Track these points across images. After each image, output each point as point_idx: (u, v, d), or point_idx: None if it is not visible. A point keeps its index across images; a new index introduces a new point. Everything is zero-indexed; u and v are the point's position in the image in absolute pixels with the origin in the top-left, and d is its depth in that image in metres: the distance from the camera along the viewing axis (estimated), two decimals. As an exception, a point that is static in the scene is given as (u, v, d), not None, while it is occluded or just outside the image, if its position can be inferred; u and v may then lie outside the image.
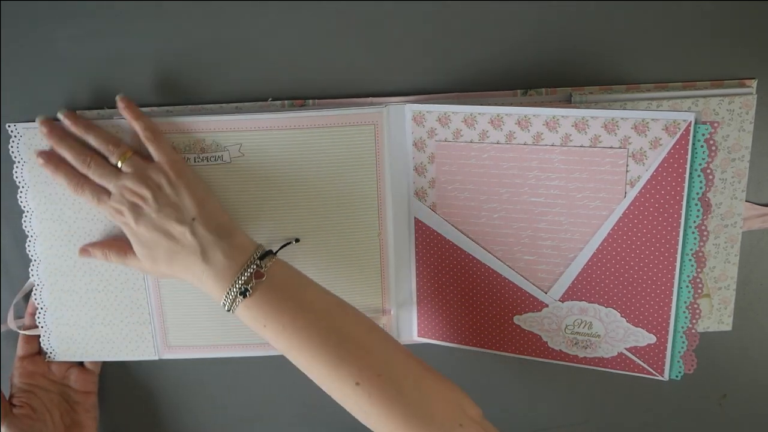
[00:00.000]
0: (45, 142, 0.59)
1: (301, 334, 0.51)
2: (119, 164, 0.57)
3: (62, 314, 0.63)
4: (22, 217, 0.62)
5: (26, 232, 0.62)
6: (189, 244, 0.54)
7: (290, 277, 0.55)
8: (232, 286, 0.52)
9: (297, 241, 0.60)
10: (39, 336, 0.64)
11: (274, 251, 0.56)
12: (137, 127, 0.58)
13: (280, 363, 0.68)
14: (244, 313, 0.53)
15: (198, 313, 0.64)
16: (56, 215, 0.62)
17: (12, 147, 0.61)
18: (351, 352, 0.51)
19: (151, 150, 0.58)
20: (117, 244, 0.60)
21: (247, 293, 0.52)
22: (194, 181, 0.57)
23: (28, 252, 0.63)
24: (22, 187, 0.61)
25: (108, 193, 0.57)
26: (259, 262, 0.54)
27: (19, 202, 0.62)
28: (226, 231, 0.55)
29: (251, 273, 0.53)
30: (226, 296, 0.53)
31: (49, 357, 0.64)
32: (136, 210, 0.55)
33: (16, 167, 0.61)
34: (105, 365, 0.67)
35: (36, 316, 0.64)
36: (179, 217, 0.55)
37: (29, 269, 0.63)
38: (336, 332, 0.52)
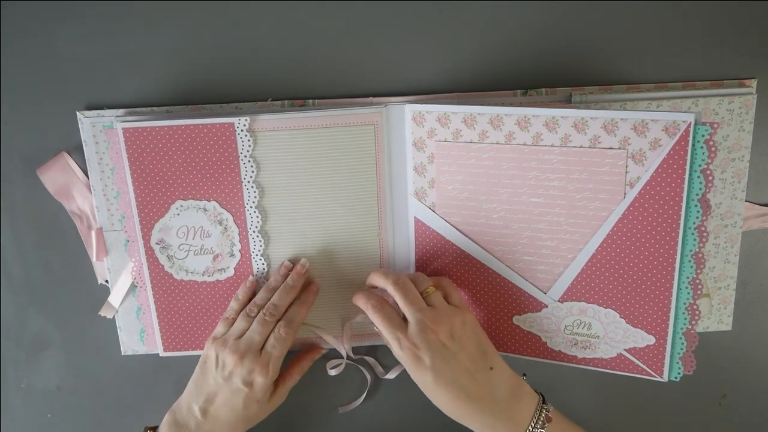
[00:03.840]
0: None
1: None
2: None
3: None
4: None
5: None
6: (487, 389, 0.56)
7: (563, 418, 0.58)
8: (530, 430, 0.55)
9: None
10: None
11: None
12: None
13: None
14: None
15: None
16: None
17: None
18: None
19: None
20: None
21: None
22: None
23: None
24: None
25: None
26: (545, 406, 0.57)
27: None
28: (516, 380, 0.58)
29: (543, 418, 0.56)
30: None
31: None
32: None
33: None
34: (103, 365, 0.68)
35: None
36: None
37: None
38: None
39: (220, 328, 0.61)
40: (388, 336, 0.56)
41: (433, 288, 0.58)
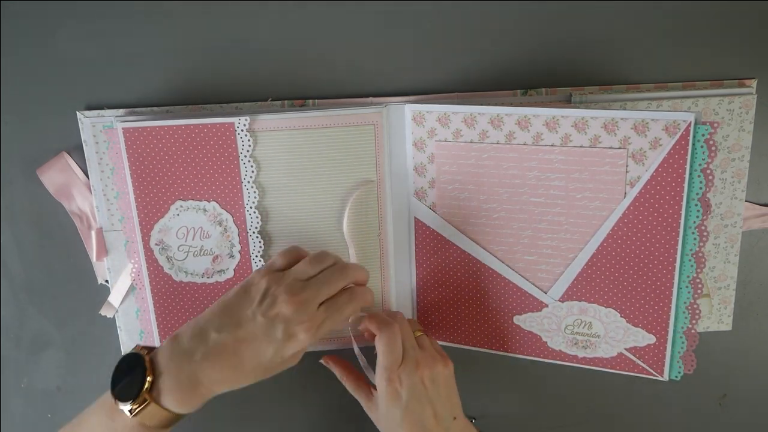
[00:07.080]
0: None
1: None
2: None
3: None
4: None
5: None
6: None
7: None
8: None
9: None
10: None
11: None
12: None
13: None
14: None
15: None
16: None
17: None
18: None
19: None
20: (358, 380, 0.62)
21: None
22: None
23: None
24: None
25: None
26: None
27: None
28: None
29: None
30: None
31: None
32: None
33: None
34: (103, 365, 0.68)
35: None
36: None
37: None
38: None
39: (279, 262, 0.54)
40: (388, 359, 0.56)
41: (421, 331, 0.61)
